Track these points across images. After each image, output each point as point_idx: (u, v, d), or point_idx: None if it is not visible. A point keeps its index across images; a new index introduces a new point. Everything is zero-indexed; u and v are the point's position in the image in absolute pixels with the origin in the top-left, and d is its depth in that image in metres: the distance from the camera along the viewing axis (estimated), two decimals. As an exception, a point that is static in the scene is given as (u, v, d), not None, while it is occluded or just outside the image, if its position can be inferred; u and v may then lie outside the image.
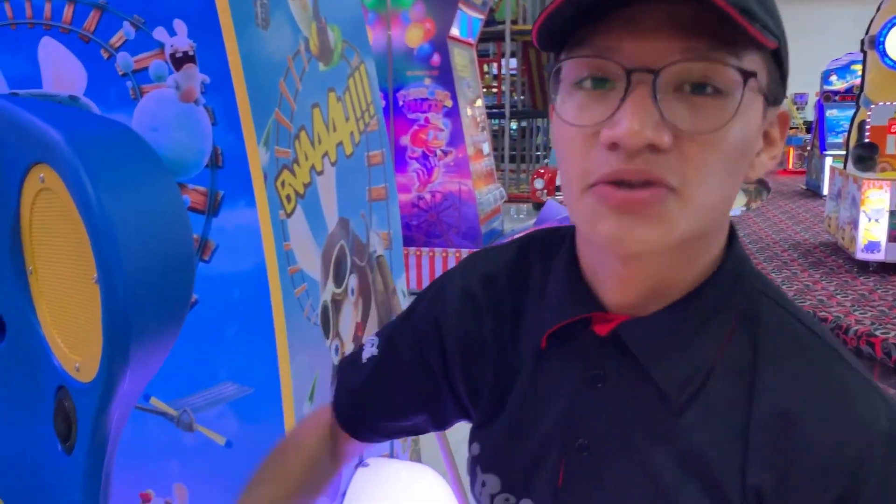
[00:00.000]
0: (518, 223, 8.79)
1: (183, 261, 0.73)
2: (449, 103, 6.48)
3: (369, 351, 0.86)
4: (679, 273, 0.65)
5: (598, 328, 0.68)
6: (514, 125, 12.88)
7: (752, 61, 0.58)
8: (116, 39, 1.32)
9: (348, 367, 0.89)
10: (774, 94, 0.62)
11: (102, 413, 0.69)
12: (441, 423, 0.87)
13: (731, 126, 0.57)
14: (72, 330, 0.72)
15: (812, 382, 0.61)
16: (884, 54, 6.15)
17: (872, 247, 5.91)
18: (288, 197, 1.43)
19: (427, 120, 6.51)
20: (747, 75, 0.57)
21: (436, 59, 6.47)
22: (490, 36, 11.20)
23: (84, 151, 0.65)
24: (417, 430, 0.89)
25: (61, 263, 0.72)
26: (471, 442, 0.79)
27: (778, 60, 0.61)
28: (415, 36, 6.48)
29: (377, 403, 0.86)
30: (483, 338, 0.77)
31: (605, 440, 0.67)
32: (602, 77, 0.59)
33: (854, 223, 6.06)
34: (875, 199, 5.83)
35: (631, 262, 0.63)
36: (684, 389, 0.64)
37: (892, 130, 6.16)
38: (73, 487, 0.73)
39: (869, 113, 6.26)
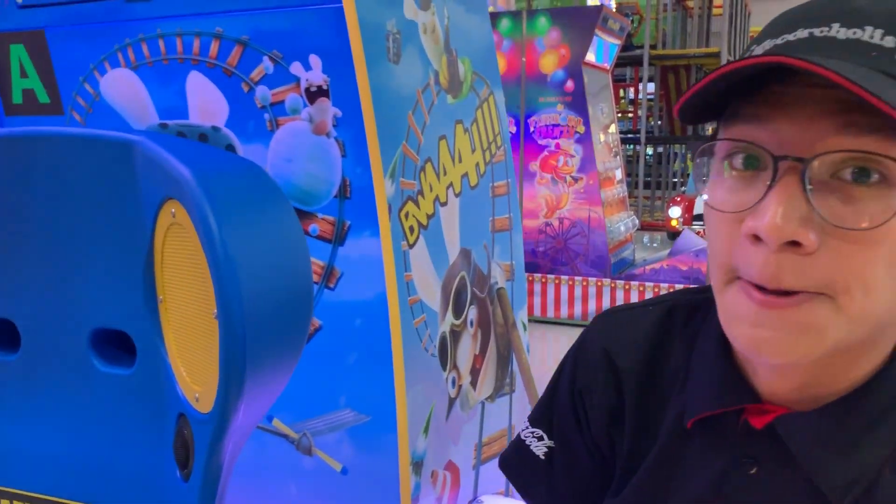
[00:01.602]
0: (651, 252, 8.53)
1: (301, 298, 0.74)
2: (581, 129, 6.41)
3: (541, 446, 0.79)
4: (842, 373, 0.58)
5: (752, 419, 0.62)
6: (650, 151, 12.58)
7: None
8: (256, 73, 1.39)
9: (532, 473, 0.80)
10: None
11: (217, 443, 0.71)
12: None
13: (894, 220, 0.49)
14: (194, 360, 0.75)
15: None
16: None
17: None
18: (411, 228, 1.44)
19: (558, 146, 6.46)
20: None
21: (569, 84, 6.42)
22: (628, 60, 11.03)
23: (210, 189, 0.68)
24: None
25: (187, 296, 0.74)
26: None
27: None
28: (549, 62, 6.46)
29: (582, 496, 0.78)
30: (623, 409, 0.72)
31: None
32: (750, 159, 0.53)
33: None
34: None
35: (783, 368, 0.58)
36: (847, 494, 0.57)
37: None
38: (188, 514, 0.75)
39: None
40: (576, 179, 6.36)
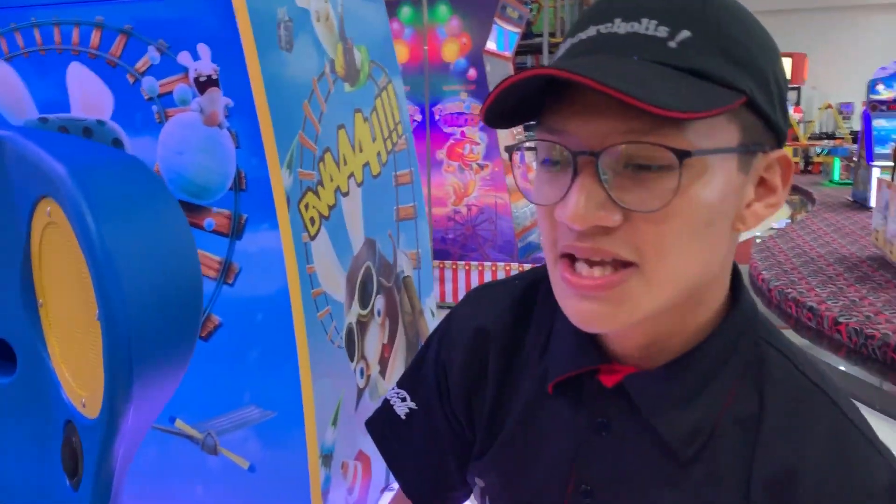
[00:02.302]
0: (556, 236, 8.70)
1: (189, 295, 0.72)
2: (485, 117, 6.46)
3: (403, 406, 0.83)
4: (676, 329, 0.64)
5: (604, 379, 0.67)
6: (552, 137, 12.80)
7: (711, 126, 0.56)
8: (142, 64, 1.33)
9: (391, 431, 0.84)
10: (758, 141, 0.59)
11: (107, 449, 0.68)
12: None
13: (680, 200, 0.56)
14: (79, 365, 0.72)
15: (814, 441, 0.61)
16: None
17: (922, 261, 5.73)
18: (312, 219, 1.42)
19: (463, 134, 6.50)
20: (682, 154, 0.55)
21: (472, 73, 6.47)
22: (528, 48, 11.18)
23: (86, 185, 0.65)
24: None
25: (68, 298, 0.71)
26: (472, 475, 0.79)
27: (757, 107, 0.58)
28: (451, 51, 6.49)
29: (434, 460, 0.83)
30: (486, 374, 0.76)
31: (610, 488, 0.67)
32: (550, 157, 0.60)
33: (902, 237, 5.89)
34: (924, 212, 5.65)
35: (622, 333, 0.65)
36: (690, 444, 0.63)
37: (942, 141, 5.97)
38: (80, 524, 0.72)
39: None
40: (482, 167, 6.42)
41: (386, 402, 0.85)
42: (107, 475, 0.70)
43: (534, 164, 0.65)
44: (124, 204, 0.68)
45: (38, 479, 0.77)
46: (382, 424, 0.85)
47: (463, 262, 6.29)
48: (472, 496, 0.85)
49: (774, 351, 0.65)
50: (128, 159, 0.74)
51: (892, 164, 6.76)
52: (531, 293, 0.78)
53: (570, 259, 0.60)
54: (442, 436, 0.81)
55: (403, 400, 0.83)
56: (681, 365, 0.64)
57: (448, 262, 6.32)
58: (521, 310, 0.77)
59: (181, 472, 1.51)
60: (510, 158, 0.64)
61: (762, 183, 0.61)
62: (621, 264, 0.58)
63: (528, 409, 0.72)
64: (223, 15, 1.26)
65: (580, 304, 0.60)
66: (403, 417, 0.82)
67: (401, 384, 0.86)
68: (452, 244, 6.48)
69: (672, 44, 0.55)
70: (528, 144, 0.62)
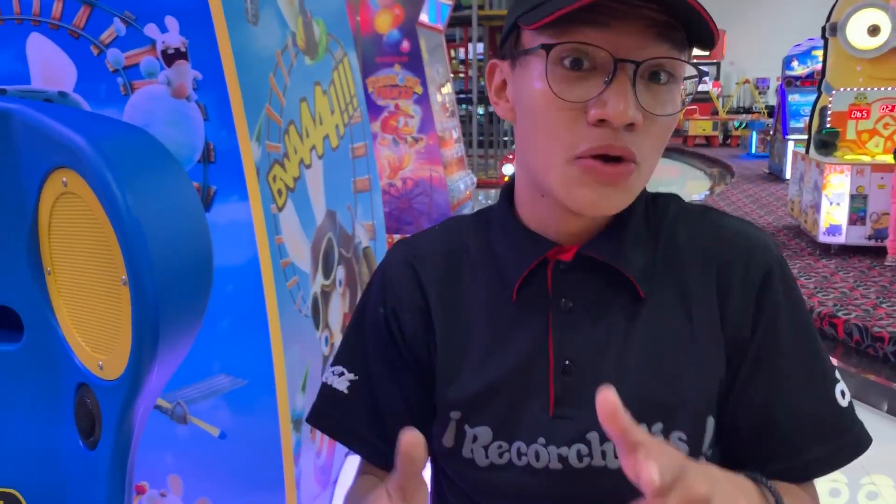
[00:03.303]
0: (487, 209, 8.83)
1: (203, 257, 0.75)
2: (419, 90, 6.49)
3: (343, 381, 0.84)
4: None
5: (561, 257, 0.79)
6: (481, 110, 12.90)
7: (688, 55, 0.72)
8: (107, 36, 1.33)
9: (335, 410, 0.84)
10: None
11: (128, 408, 0.72)
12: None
13: (679, 108, 0.73)
14: (94, 329, 0.74)
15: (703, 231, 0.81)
16: (845, 41, 6.29)
17: (834, 230, 6.07)
18: (279, 191, 1.45)
19: (397, 106, 6.51)
20: (702, 73, 0.74)
21: (405, 45, 6.46)
22: (457, 21, 11.19)
23: (108, 156, 0.67)
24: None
25: (83, 265, 0.73)
26: (447, 410, 0.80)
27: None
28: (384, 22, 6.46)
29: (393, 420, 0.82)
30: (428, 304, 0.83)
31: (588, 357, 0.76)
32: (581, 59, 0.70)
33: (816, 207, 6.21)
34: (836, 183, 5.98)
35: (593, 217, 0.78)
36: (646, 277, 0.78)
37: (853, 116, 6.31)
38: (97, 482, 0.75)
39: (830, 99, 6.40)
40: (416, 140, 6.45)
41: (323, 385, 0.86)
42: (127, 433, 0.73)
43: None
44: (142, 171, 0.70)
45: (51, 440, 0.79)
46: (326, 409, 0.85)
47: (399, 235, 6.33)
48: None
49: (661, 197, 0.85)
50: (136, 130, 0.77)
51: (806, 137, 7.10)
52: (455, 231, 0.87)
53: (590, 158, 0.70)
54: (404, 387, 0.82)
55: (341, 375, 0.84)
56: (620, 223, 0.79)
57: (385, 235, 6.37)
58: (450, 245, 0.86)
59: (150, 442, 1.53)
60: (547, 54, 0.70)
61: None
62: (624, 161, 0.71)
63: (492, 316, 0.80)
64: (192, -13, 1.27)
65: (597, 191, 0.71)
66: (346, 392, 0.83)
67: (335, 361, 0.87)
68: (388, 218, 6.51)
69: None
70: (570, 45, 0.70)
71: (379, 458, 0.84)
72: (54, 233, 0.76)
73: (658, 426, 0.74)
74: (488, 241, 0.84)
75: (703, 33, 0.70)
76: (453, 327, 0.82)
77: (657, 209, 0.82)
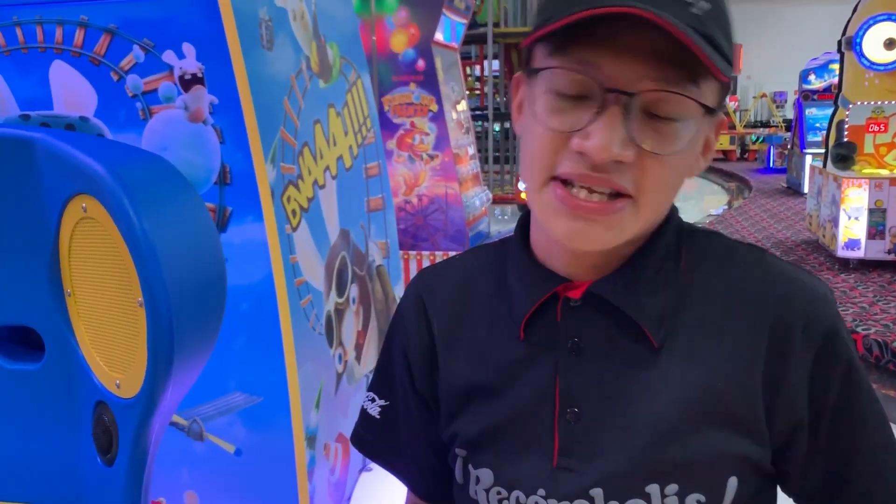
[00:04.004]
0: (504, 224, 8.85)
1: (217, 280, 0.78)
2: (434, 107, 6.54)
3: (375, 407, 0.85)
4: (627, 247, 0.71)
5: (570, 294, 0.72)
6: (497, 127, 12.95)
7: (707, 86, 0.63)
8: (126, 62, 1.37)
9: (371, 434, 0.86)
10: (718, 107, 0.68)
11: (145, 426, 0.74)
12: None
13: (683, 147, 0.64)
14: (112, 349, 0.77)
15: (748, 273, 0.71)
16: (860, 55, 6.27)
17: (852, 244, 6.02)
18: (293, 211, 1.48)
19: (413, 124, 6.57)
20: (709, 110, 0.64)
21: (420, 63, 6.53)
22: (472, 38, 11.26)
23: (125, 182, 0.70)
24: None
25: (102, 287, 0.76)
26: (452, 445, 0.79)
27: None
28: (400, 41, 6.53)
29: (423, 448, 0.84)
30: (433, 338, 0.79)
31: (596, 403, 0.70)
32: (577, 90, 0.63)
33: (834, 221, 6.17)
34: (854, 197, 5.94)
35: (590, 251, 0.70)
36: (660, 325, 0.69)
37: (870, 130, 6.27)
38: (115, 498, 0.78)
39: (847, 112, 6.37)
40: (432, 157, 6.49)
41: (361, 409, 0.87)
42: (143, 449, 0.76)
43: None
44: (158, 197, 0.73)
45: (69, 457, 0.82)
46: (363, 431, 0.87)
47: (414, 252, 6.36)
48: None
49: (703, 233, 0.75)
50: (153, 157, 0.79)
51: (823, 151, 7.07)
52: (474, 255, 0.83)
53: (564, 182, 0.64)
54: (417, 422, 0.82)
55: (373, 401, 0.85)
56: (637, 262, 0.71)
57: (400, 253, 6.40)
58: (464, 278, 0.81)
59: (167, 458, 1.56)
60: (524, 65, 0.66)
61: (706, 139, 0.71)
62: (617, 194, 0.64)
63: (499, 354, 0.75)
64: (208, 15, 1.31)
65: (573, 223, 0.64)
66: (378, 417, 0.84)
67: (370, 388, 0.87)
68: (404, 234, 6.54)
69: (695, 10, 0.60)
70: (550, 68, 0.63)
71: (416, 486, 0.86)
72: (74, 256, 0.79)
73: (672, 487, 0.68)
74: (502, 270, 0.79)
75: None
76: (457, 361, 0.78)
77: (694, 247, 0.73)
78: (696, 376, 0.68)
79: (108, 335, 0.77)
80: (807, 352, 0.68)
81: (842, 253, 6.12)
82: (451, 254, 6.40)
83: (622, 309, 0.69)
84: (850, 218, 5.99)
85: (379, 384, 0.86)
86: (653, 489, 0.67)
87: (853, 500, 0.70)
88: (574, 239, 0.66)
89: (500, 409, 0.74)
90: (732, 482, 0.68)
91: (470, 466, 0.77)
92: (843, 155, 6.22)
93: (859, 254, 6.07)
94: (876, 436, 0.70)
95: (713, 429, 0.67)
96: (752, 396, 0.67)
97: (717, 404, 0.67)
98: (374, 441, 0.86)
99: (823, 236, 6.67)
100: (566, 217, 0.65)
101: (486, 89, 12.51)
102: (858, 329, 4.54)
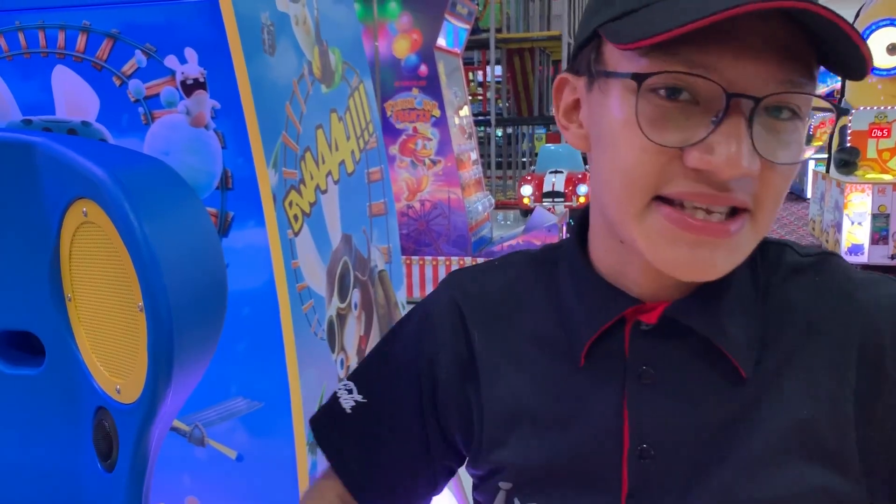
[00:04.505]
0: (506, 230, 8.85)
1: (217, 285, 0.78)
2: (437, 113, 6.55)
3: (349, 399, 0.78)
4: None
5: (643, 318, 0.65)
6: (499, 132, 12.96)
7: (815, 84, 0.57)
8: (128, 67, 1.37)
9: (333, 424, 0.79)
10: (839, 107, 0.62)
11: (145, 432, 0.74)
12: (433, 479, 0.80)
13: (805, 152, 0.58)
14: (112, 354, 0.77)
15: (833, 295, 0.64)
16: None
17: (856, 249, 6.02)
18: (295, 216, 1.47)
19: (415, 129, 6.57)
20: (841, 111, 0.59)
21: (423, 69, 6.54)
22: (474, 44, 11.29)
23: (126, 187, 0.70)
24: (418, 494, 0.81)
25: (102, 292, 0.76)
26: (493, 476, 0.71)
27: None
28: (402, 47, 6.54)
29: (382, 457, 0.77)
30: (473, 353, 0.72)
31: (670, 439, 0.63)
32: (681, 88, 0.55)
33: (837, 226, 6.17)
34: (857, 202, 5.94)
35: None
36: (749, 354, 0.62)
37: (873, 135, 6.27)
38: (115, 502, 0.77)
39: (850, 118, 6.37)
40: (434, 162, 6.50)
41: (333, 394, 0.80)
42: (143, 456, 0.75)
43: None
44: (158, 202, 0.73)
45: (69, 463, 0.82)
46: (325, 419, 0.81)
47: (417, 258, 6.36)
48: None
49: (773, 246, 0.68)
50: (154, 161, 0.79)
51: (826, 156, 7.06)
52: (513, 262, 0.76)
53: (670, 204, 0.56)
54: (400, 437, 0.76)
55: (350, 392, 0.79)
56: (718, 285, 0.62)
57: (403, 258, 6.40)
58: (505, 277, 0.74)
59: (168, 464, 1.55)
60: (638, 87, 0.55)
61: None
62: (733, 210, 0.56)
63: (553, 379, 0.68)
64: (210, 20, 1.30)
65: (695, 251, 0.56)
66: (349, 411, 0.78)
67: (351, 377, 0.81)
68: (406, 239, 6.55)
69: None
70: (669, 73, 0.53)
71: (353, 484, 0.79)
72: (75, 261, 0.79)
73: None
74: (555, 286, 0.71)
75: (847, 55, 0.52)
76: (503, 382, 0.70)
77: (766, 262, 0.66)
78: (784, 407, 0.61)
79: (109, 340, 0.77)
80: None
81: (845, 258, 6.10)
82: (454, 259, 6.40)
83: (707, 336, 0.62)
84: (853, 223, 5.99)
85: (364, 377, 0.79)
86: None
87: None
88: (696, 269, 0.57)
89: (557, 442, 0.66)
90: None
91: (516, 500, 0.69)
92: (846, 160, 6.23)
93: (863, 259, 6.06)
94: None
95: (802, 465, 0.61)
96: (843, 426, 0.61)
97: (807, 438, 0.61)
98: (330, 430, 0.80)
99: (826, 241, 6.66)
100: (685, 244, 0.56)
101: (488, 94, 12.52)
102: (862, 334, 4.51)
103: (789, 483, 0.61)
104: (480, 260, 6.29)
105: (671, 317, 0.63)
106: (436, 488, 0.80)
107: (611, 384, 0.65)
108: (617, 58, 0.58)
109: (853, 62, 0.53)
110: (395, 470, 0.78)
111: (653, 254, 0.59)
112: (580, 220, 0.71)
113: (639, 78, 0.55)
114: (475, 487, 0.75)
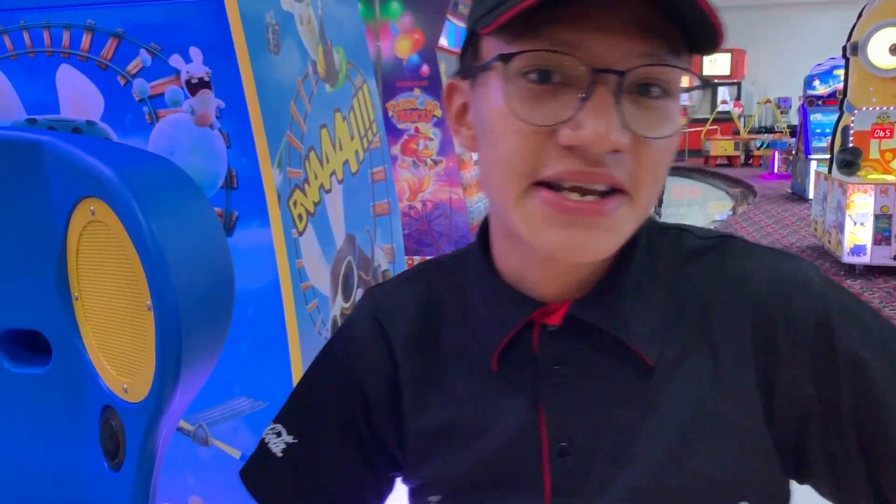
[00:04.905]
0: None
1: (225, 283, 0.78)
2: (438, 113, 6.53)
3: (279, 442, 0.75)
4: (611, 257, 0.64)
5: (548, 320, 0.65)
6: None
7: (686, 60, 0.57)
8: (133, 66, 1.37)
9: (264, 471, 0.75)
10: (704, 83, 0.62)
11: (152, 430, 0.74)
12: (381, 495, 0.78)
13: (678, 128, 0.58)
14: (119, 353, 0.77)
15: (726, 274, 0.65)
16: (866, 60, 6.26)
17: (858, 250, 6.01)
18: (300, 216, 1.47)
19: (417, 130, 6.57)
20: (704, 82, 0.58)
21: (425, 69, 6.53)
22: (477, 45, 11.28)
23: (134, 186, 0.70)
24: None
25: (109, 291, 0.76)
26: (424, 491, 0.71)
27: None
28: (404, 47, 6.54)
29: (321, 495, 0.75)
30: (398, 370, 0.72)
31: (587, 434, 0.64)
32: (549, 71, 0.55)
33: (840, 227, 6.16)
34: (860, 202, 5.92)
35: (576, 265, 0.63)
36: (652, 344, 0.63)
37: (876, 135, 6.26)
38: (121, 503, 0.77)
39: (852, 118, 6.36)
40: (436, 162, 6.49)
41: (260, 441, 0.77)
42: (150, 454, 0.75)
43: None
44: (166, 201, 0.73)
45: (75, 461, 0.82)
46: (257, 469, 0.76)
47: (419, 258, 6.36)
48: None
49: (671, 232, 0.68)
50: (161, 161, 0.79)
51: (828, 157, 7.06)
52: (426, 274, 0.75)
53: (548, 187, 0.57)
54: (339, 470, 0.74)
55: (279, 434, 0.75)
56: (617, 275, 0.64)
57: (405, 258, 6.40)
58: (421, 289, 0.73)
59: (173, 464, 1.55)
60: (506, 69, 0.56)
61: None
62: (609, 192, 0.56)
63: (472, 387, 0.68)
64: (215, 19, 1.30)
65: (570, 232, 0.56)
66: (279, 454, 0.74)
67: (278, 419, 0.78)
68: (408, 239, 6.54)
69: None
70: (531, 51, 0.54)
71: None
72: (82, 260, 0.79)
73: None
74: (464, 293, 0.71)
75: (702, 32, 0.54)
76: (427, 397, 0.70)
77: (665, 249, 0.67)
78: (691, 391, 0.62)
79: (116, 339, 0.77)
80: (798, 349, 0.61)
81: (847, 259, 6.10)
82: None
83: (610, 331, 0.63)
84: (855, 224, 5.98)
85: (293, 418, 0.76)
86: None
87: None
88: (573, 250, 0.57)
89: (480, 450, 0.67)
90: None
91: None
92: (849, 160, 6.21)
93: (865, 260, 6.05)
94: None
95: (715, 445, 0.62)
96: (749, 403, 0.62)
97: (716, 418, 0.62)
98: (263, 478, 0.76)
99: (829, 242, 6.65)
100: (561, 226, 0.56)
101: (490, 95, 12.51)
102: (865, 335, 4.50)
103: (706, 464, 0.62)
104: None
105: (574, 316, 0.64)
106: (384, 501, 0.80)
107: (525, 387, 0.66)
108: (491, 50, 0.59)
109: (704, 34, 0.54)
110: None
111: (532, 238, 0.59)
112: (482, 224, 0.71)
113: (505, 59, 0.56)
114: (409, 499, 0.74)
